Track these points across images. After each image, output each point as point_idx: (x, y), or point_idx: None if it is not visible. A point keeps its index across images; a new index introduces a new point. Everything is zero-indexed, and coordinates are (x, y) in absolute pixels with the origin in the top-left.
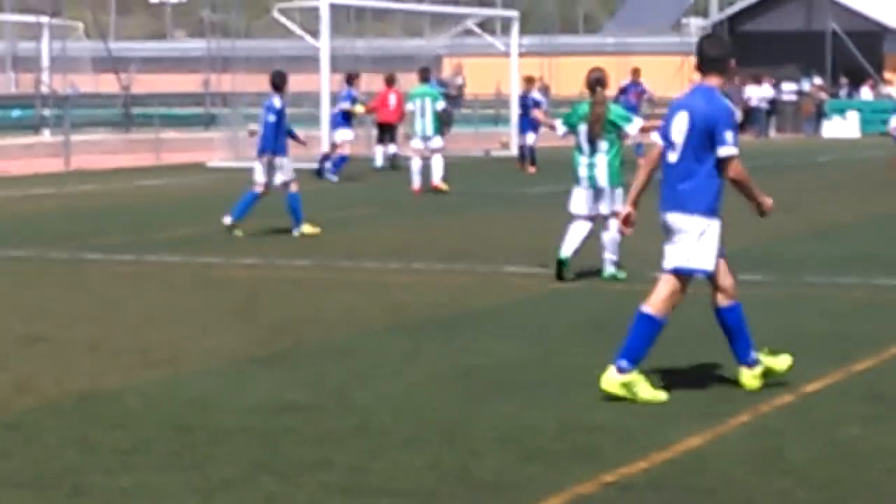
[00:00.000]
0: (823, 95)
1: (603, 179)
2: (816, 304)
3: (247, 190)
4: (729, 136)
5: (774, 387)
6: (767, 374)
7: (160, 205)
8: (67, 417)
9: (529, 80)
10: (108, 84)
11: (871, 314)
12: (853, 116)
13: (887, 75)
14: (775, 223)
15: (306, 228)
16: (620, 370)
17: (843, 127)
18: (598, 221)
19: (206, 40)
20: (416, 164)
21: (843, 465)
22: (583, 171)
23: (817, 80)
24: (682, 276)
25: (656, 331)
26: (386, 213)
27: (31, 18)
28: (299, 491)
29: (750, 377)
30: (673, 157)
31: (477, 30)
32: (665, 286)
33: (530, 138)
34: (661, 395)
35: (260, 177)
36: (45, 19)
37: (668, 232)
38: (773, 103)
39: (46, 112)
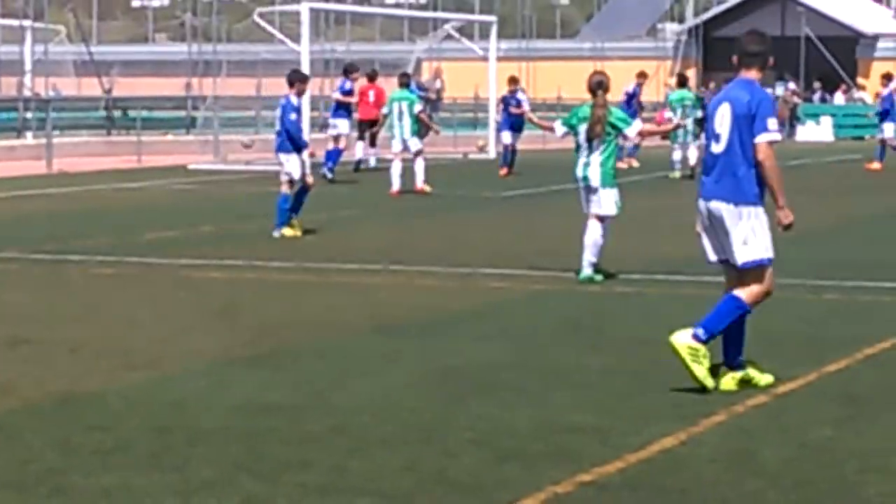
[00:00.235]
0: (797, 100)
1: (595, 179)
2: (790, 306)
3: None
4: (770, 122)
5: (748, 388)
6: (748, 381)
7: (142, 207)
8: (49, 419)
9: (514, 81)
10: (90, 87)
11: (843, 316)
12: (826, 121)
13: (860, 80)
14: None
15: (287, 231)
16: (696, 337)
17: (816, 131)
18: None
19: (188, 44)
20: (396, 167)
21: (815, 466)
22: (579, 171)
23: (791, 85)
24: (763, 267)
25: (738, 319)
26: (366, 216)
27: (13, 22)
28: (278, 491)
29: (731, 379)
30: (717, 148)
31: (455, 34)
32: (750, 284)
33: (507, 137)
34: (710, 382)
35: (297, 173)
36: (27, 23)
37: (712, 222)
38: None
39: (29, 115)
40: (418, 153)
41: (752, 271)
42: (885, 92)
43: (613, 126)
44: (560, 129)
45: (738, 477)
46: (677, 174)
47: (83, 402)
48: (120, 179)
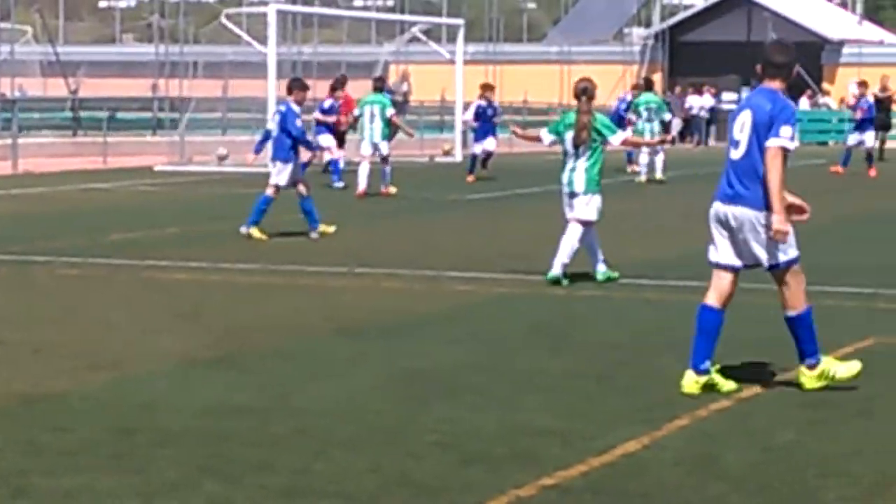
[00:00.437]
0: None
1: (579, 185)
2: (754, 310)
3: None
4: (784, 130)
5: (712, 392)
6: (711, 386)
7: (108, 208)
8: (12, 420)
9: (489, 88)
10: (56, 88)
11: None
12: None
13: (825, 86)
14: None
15: (255, 231)
16: (811, 367)
17: None
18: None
19: (155, 45)
20: (363, 169)
21: (778, 471)
22: (565, 177)
23: None
24: (792, 266)
25: (811, 319)
26: (330, 218)
27: None
28: (241, 493)
29: (693, 382)
30: (736, 154)
31: (422, 37)
32: (789, 284)
33: (491, 144)
34: (855, 367)
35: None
36: None
37: (730, 227)
38: (714, 112)
39: None
40: (386, 158)
41: (785, 272)
42: (865, 99)
43: (599, 132)
44: (547, 137)
45: (701, 481)
46: (643, 178)
47: (47, 403)
48: (86, 180)
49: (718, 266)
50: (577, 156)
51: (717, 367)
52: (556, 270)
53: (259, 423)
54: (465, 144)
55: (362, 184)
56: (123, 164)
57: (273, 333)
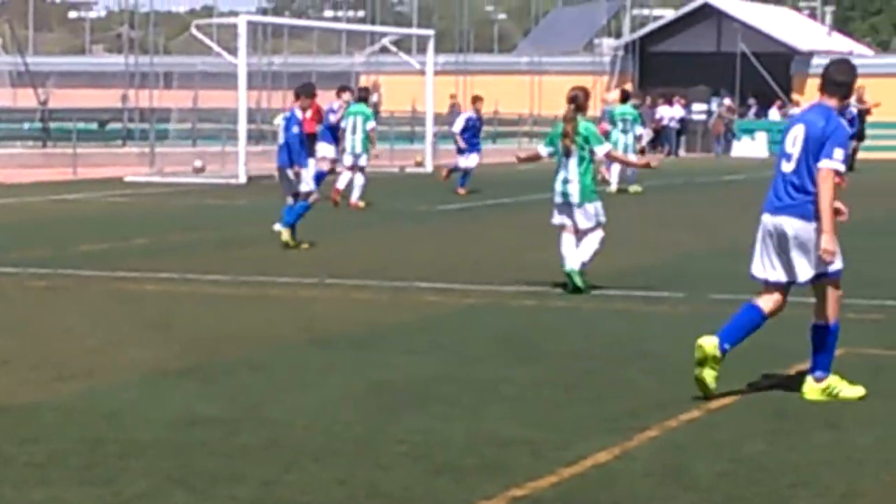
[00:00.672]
0: (733, 116)
1: (575, 196)
2: (722, 320)
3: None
4: (837, 152)
5: (681, 403)
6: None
7: (77, 219)
8: None
9: (479, 100)
10: (25, 98)
11: (775, 331)
12: (761, 137)
13: (795, 96)
14: (682, 240)
15: (286, 234)
16: (818, 380)
17: (751, 147)
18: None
19: (125, 56)
20: (344, 178)
21: (747, 481)
22: (558, 186)
23: (727, 101)
24: (832, 278)
25: (836, 335)
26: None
27: None
28: None
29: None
30: (787, 167)
31: (393, 48)
32: (827, 296)
33: (473, 161)
34: (860, 390)
35: (305, 186)
36: None
37: (780, 237)
38: (684, 123)
39: None
40: (363, 169)
41: (826, 283)
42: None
43: (587, 140)
44: (544, 150)
45: (671, 492)
46: (613, 188)
47: (15, 414)
48: (56, 191)
49: (767, 283)
50: (568, 165)
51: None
52: (573, 266)
53: (229, 433)
54: (435, 155)
55: (338, 189)
56: (93, 175)
57: (243, 344)
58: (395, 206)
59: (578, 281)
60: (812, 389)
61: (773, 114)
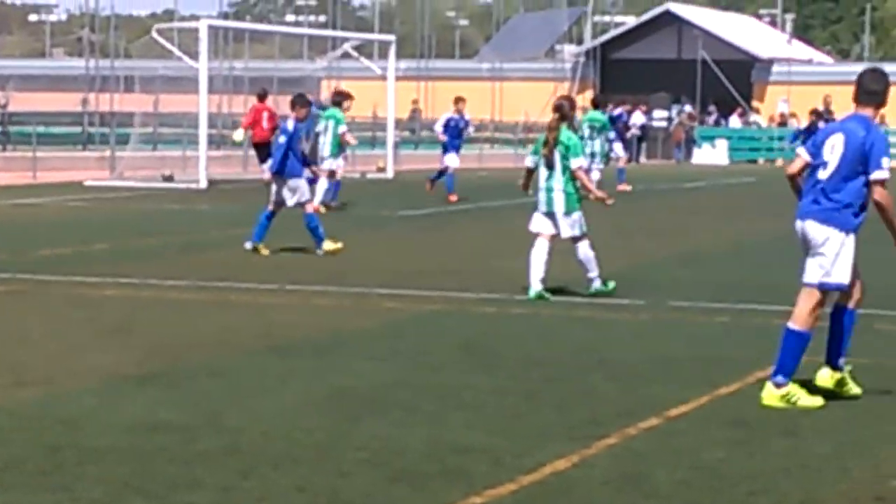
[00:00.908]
0: (693, 123)
1: (559, 206)
2: (682, 328)
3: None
4: (885, 161)
5: (640, 411)
6: (841, 384)
7: (37, 223)
8: None
9: (461, 100)
10: None
11: (735, 339)
12: (722, 144)
13: (755, 104)
14: (643, 248)
15: (328, 245)
16: (777, 385)
17: (712, 154)
18: (559, 243)
19: (85, 59)
20: (321, 184)
21: (706, 489)
22: (542, 195)
23: (687, 108)
24: (824, 290)
25: (804, 344)
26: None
27: None
28: None
29: (828, 378)
30: (823, 174)
31: (354, 53)
32: (807, 301)
33: (454, 160)
34: (818, 401)
35: (273, 195)
36: None
37: (805, 242)
38: (645, 129)
39: None
40: (333, 174)
41: (821, 292)
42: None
43: (568, 149)
44: (531, 160)
45: (630, 499)
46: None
47: None
48: (15, 195)
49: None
50: (551, 174)
51: (850, 368)
52: (595, 285)
53: (188, 440)
54: (396, 160)
55: (317, 198)
56: (53, 179)
57: (203, 350)
58: (356, 211)
59: (546, 295)
60: (771, 396)
61: (734, 121)
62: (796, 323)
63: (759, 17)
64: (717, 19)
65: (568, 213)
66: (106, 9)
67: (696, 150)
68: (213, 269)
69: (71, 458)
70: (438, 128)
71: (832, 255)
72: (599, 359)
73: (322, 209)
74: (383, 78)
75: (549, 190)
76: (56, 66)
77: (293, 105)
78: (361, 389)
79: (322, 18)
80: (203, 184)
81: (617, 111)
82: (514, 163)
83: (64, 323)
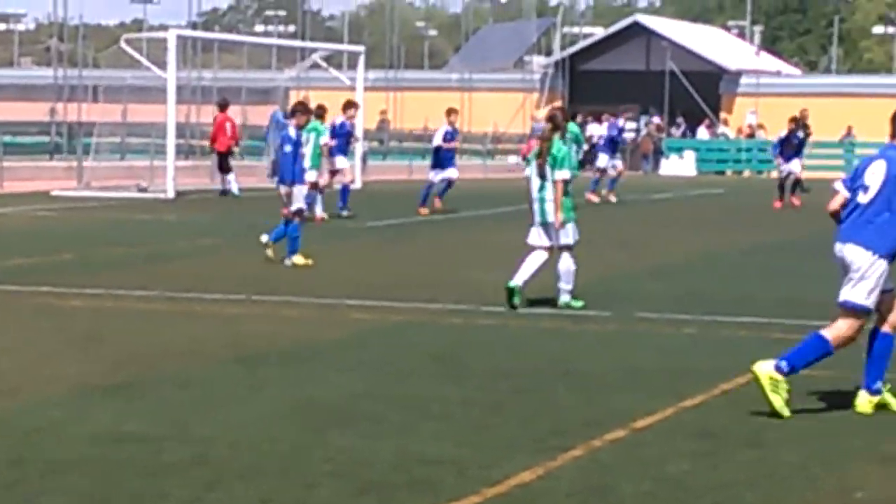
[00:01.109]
0: (661, 134)
1: (551, 215)
2: (649, 339)
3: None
4: None
5: (606, 422)
6: (882, 405)
7: (3, 233)
8: None
9: (453, 112)
10: None
11: (701, 351)
12: (690, 155)
13: (723, 115)
14: (610, 259)
15: (298, 259)
16: (778, 368)
17: (679, 165)
18: (554, 252)
19: (53, 69)
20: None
21: (671, 501)
22: (536, 206)
23: (656, 119)
24: (859, 313)
25: (820, 356)
26: (228, 245)
27: None
28: None
29: (867, 402)
30: (864, 198)
31: (323, 63)
32: (842, 322)
33: (453, 173)
34: (786, 412)
35: (296, 204)
36: None
37: (843, 264)
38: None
39: None
40: (315, 185)
41: (848, 313)
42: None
43: (555, 160)
44: (527, 170)
45: None
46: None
47: None
48: None
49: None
50: (543, 185)
51: (889, 387)
52: (563, 298)
53: (153, 451)
54: (364, 171)
55: (317, 211)
56: (20, 189)
57: (170, 361)
58: (324, 222)
59: (517, 299)
60: (763, 374)
61: (702, 132)
62: (831, 338)
63: (728, 28)
64: (685, 31)
65: (563, 223)
66: (74, 18)
67: (663, 161)
68: (181, 280)
69: (35, 471)
70: (439, 141)
71: (862, 276)
72: (566, 369)
73: (296, 220)
74: (352, 88)
75: (542, 200)
76: (24, 75)
77: (293, 113)
78: (329, 400)
79: (291, 29)
80: (171, 194)
81: (620, 122)
82: (483, 173)
83: (30, 333)
